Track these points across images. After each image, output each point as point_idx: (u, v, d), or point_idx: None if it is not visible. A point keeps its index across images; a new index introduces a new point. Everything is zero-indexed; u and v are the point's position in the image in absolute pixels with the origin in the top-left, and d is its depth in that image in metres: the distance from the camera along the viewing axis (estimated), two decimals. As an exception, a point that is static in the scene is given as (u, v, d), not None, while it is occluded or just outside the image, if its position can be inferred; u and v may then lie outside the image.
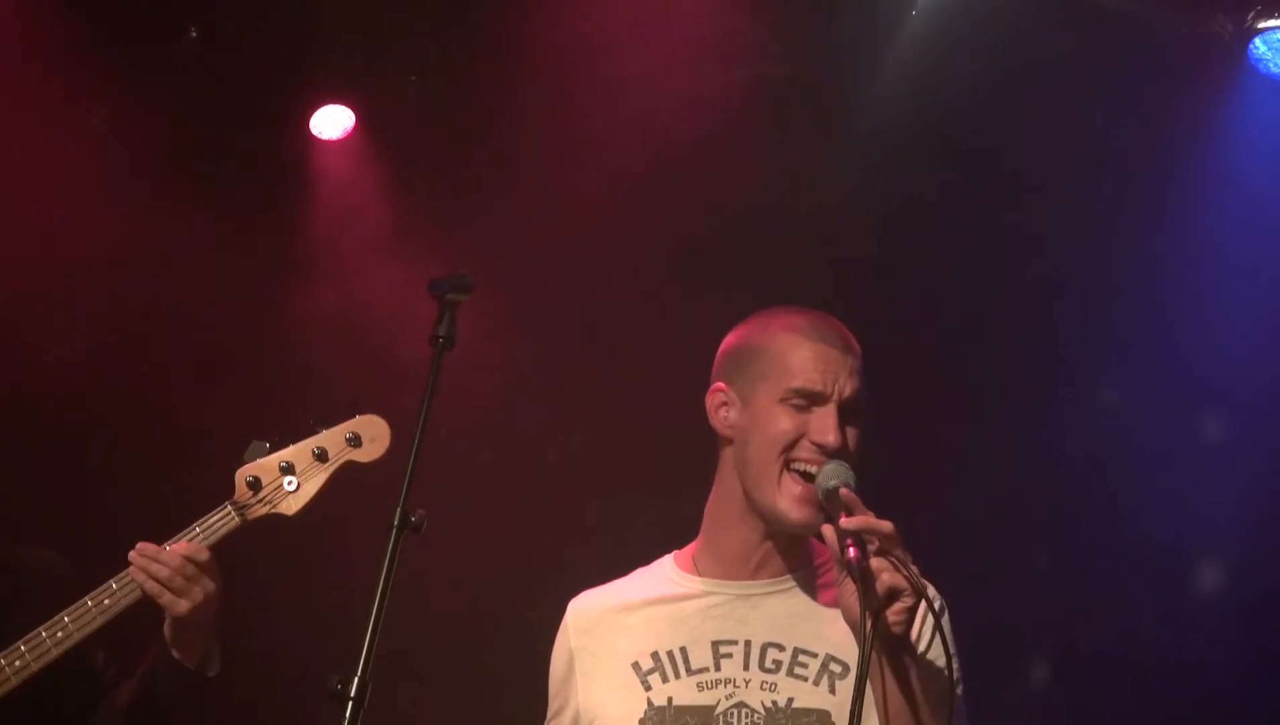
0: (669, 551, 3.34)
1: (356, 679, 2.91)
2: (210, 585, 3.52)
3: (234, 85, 5.72)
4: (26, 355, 5.63)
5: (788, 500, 3.05)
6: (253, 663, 5.76)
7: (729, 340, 3.23)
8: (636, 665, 3.14)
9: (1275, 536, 5.42)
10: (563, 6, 5.45)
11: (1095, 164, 5.60)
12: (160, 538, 3.60)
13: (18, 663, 3.57)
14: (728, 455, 3.18)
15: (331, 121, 5.94)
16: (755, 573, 3.13)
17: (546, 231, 5.84)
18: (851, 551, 2.82)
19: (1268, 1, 5.36)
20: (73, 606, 3.57)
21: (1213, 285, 5.51)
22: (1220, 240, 5.49)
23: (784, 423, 3.05)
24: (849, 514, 2.89)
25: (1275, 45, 5.40)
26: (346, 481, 4.91)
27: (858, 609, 2.82)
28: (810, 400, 3.04)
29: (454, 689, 5.92)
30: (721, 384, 3.17)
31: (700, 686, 3.08)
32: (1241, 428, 5.57)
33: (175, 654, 3.55)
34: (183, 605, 3.49)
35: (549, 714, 3.27)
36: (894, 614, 2.85)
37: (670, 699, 3.10)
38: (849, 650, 3.03)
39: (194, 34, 5.67)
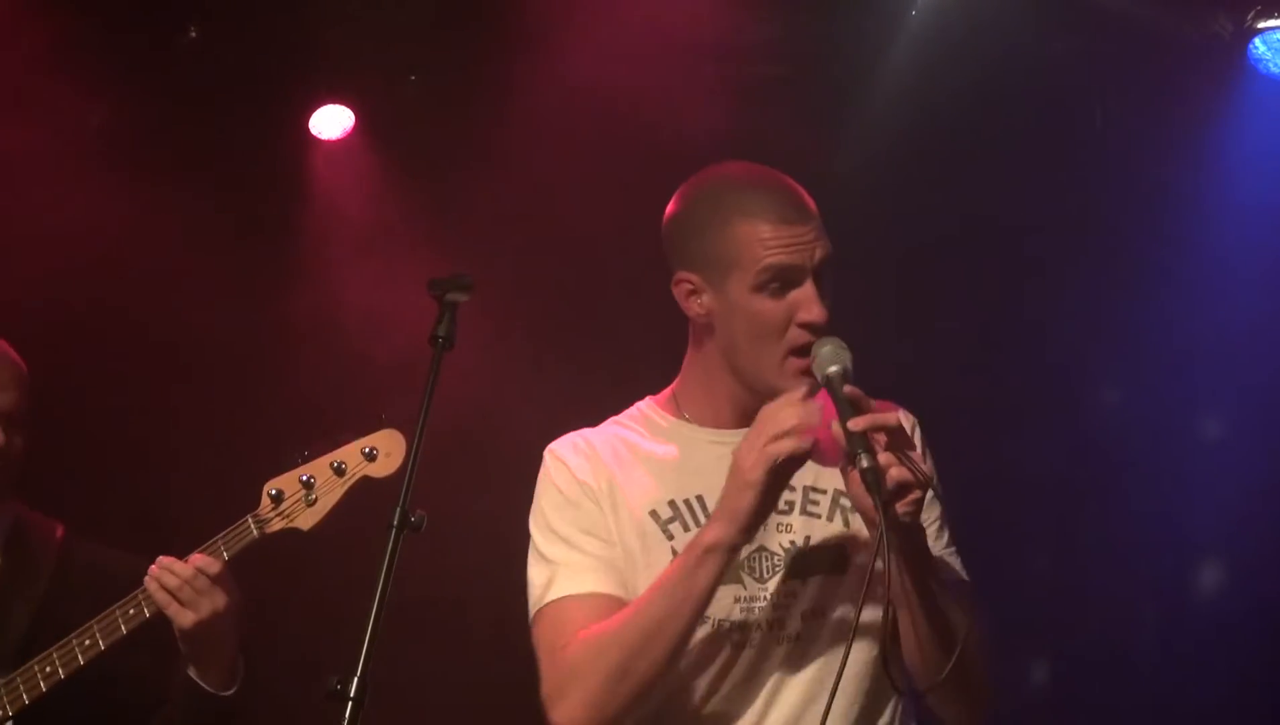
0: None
1: (356, 679, 2.91)
2: (221, 600, 3.51)
3: (234, 85, 5.72)
4: (25, 354, 5.63)
5: (792, 381, 2.98)
6: (253, 662, 5.80)
7: (675, 217, 3.11)
8: (654, 513, 3.07)
9: (1275, 537, 5.42)
10: (563, 7, 5.45)
11: (1095, 164, 5.60)
12: (174, 545, 3.61)
13: (48, 668, 3.57)
14: (707, 339, 3.10)
15: (331, 121, 5.94)
16: (750, 420, 2.98)
17: (547, 231, 5.84)
18: (864, 461, 2.77)
19: (1268, 1, 5.36)
20: (101, 614, 3.57)
21: (1213, 285, 5.51)
22: (1221, 240, 5.49)
23: (768, 311, 2.98)
24: (854, 408, 2.83)
25: (1275, 45, 5.40)
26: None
27: (866, 501, 2.79)
28: (788, 282, 2.98)
29: (454, 689, 5.93)
30: (686, 274, 3.07)
31: None
32: (1242, 428, 5.58)
33: (192, 671, 3.54)
34: (189, 617, 3.48)
35: (565, 527, 3.11)
36: (903, 506, 2.81)
37: None
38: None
39: (194, 34, 5.66)
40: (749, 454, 2.84)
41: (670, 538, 3.06)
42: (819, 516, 3.07)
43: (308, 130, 5.93)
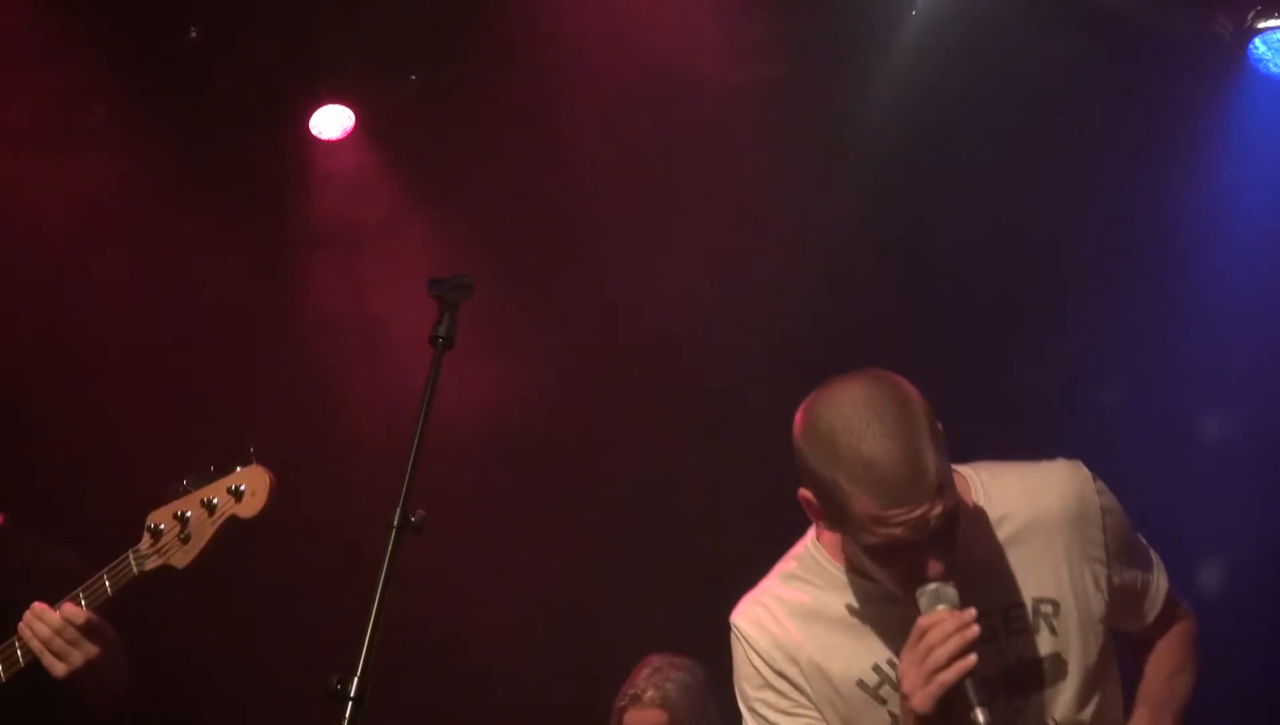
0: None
1: (356, 679, 2.91)
2: (92, 650, 3.43)
3: (234, 85, 5.72)
4: (22, 355, 5.64)
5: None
6: (253, 663, 5.81)
7: (797, 440, 2.95)
8: (862, 683, 3.06)
9: (1276, 537, 5.42)
10: (564, 6, 5.46)
11: (1095, 164, 5.60)
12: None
13: None
14: None
15: (331, 121, 5.94)
16: None
17: (547, 231, 5.85)
18: (979, 715, 2.82)
19: (1267, 1, 5.36)
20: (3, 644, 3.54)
21: (1213, 285, 5.51)
22: (1221, 238, 5.49)
23: (887, 569, 2.93)
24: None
25: (1275, 45, 5.40)
26: (345, 483, 4.93)
27: None
28: (898, 550, 2.88)
29: (454, 689, 5.93)
30: (808, 495, 2.97)
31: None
32: (1242, 428, 5.58)
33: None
34: (60, 667, 3.42)
35: (771, 710, 3.10)
36: None
37: (894, 716, 3.03)
38: (1051, 586, 3.03)
39: (194, 34, 5.67)
40: (914, 687, 2.84)
41: (884, 702, 3.06)
42: (1024, 632, 3.05)
43: (308, 130, 5.93)
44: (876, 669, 3.06)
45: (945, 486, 2.85)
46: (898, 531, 2.84)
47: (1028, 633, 3.05)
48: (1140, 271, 5.58)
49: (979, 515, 3.05)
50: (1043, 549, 3.05)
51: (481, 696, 5.92)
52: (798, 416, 2.95)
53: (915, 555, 2.86)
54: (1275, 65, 5.41)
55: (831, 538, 3.09)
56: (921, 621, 2.85)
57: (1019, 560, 3.05)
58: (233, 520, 3.48)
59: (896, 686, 2.95)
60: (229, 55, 5.68)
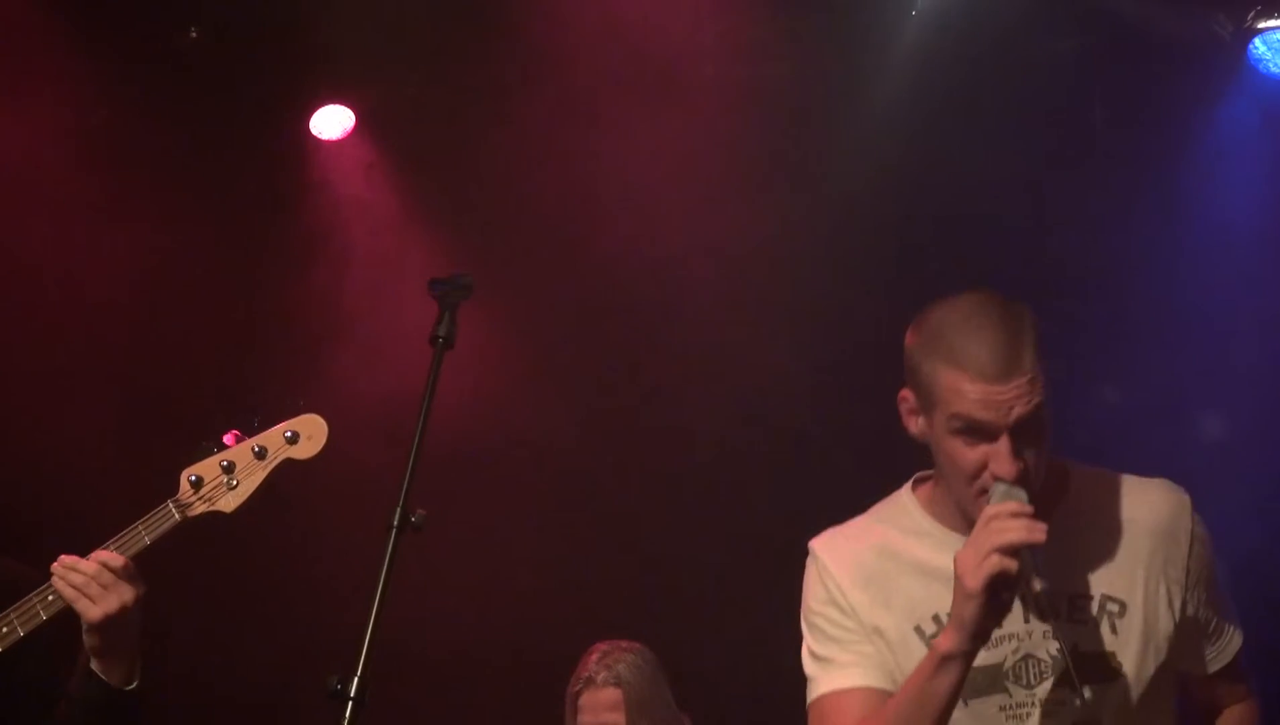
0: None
1: (356, 679, 2.91)
2: (128, 593, 3.50)
3: (234, 85, 5.73)
4: (21, 354, 5.63)
5: None
6: (253, 663, 5.81)
7: (910, 339, 3.08)
8: (919, 629, 3.08)
9: (1276, 537, 5.42)
10: (564, 6, 5.46)
11: (1095, 164, 5.60)
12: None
13: None
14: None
15: (331, 121, 5.94)
16: None
17: (547, 230, 5.85)
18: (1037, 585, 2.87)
19: (1268, 1, 5.36)
20: (16, 604, 3.59)
21: (1214, 285, 5.51)
22: (1221, 240, 5.49)
23: (960, 454, 2.98)
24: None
25: (1275, 45, 5.40)
26: (348, 479, 4.93)
27: None
28: (981, 434, 2.96)
29: (453, 689, 5.93)
30: (907, 393, 3.07)
31: (986, 646, 3.00)
32: (1243, 428, 5.57)
33: (95, 666, 3.55)
34: (96, 612, 3.48)
35: (832, 627, 3.13)
36: None
37: None
38: (1122, 587, 3.05)
39: (194, 34, 5.67)
40: (968, 565, 2.87)
41: None
42: (1085, 624, 3.06)
43: (308, 130, 5.93)
44: (936, 619, 3.07)
45: (1037, 386, 2.97)
46: (979, 410, 2.92)
47: (1089, 625, 3.05)
48: (1140, 271, 5.58)
49: (1067, 502, 3.10)
50: (1123, 551, 3.08)
51: (482, 697, 5.92)
52: (910, 326, 3.09)
53: (993, 449, 2.94)
54: (1275, 65, 5.41)
55: (925, 490, 3.15)
56: (988, 510, 2.90)
57: (1097, 554, 3.08)
58: (288, 463, 3.61)
59: None
60: (229, 55, 5.68)
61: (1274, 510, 5.43)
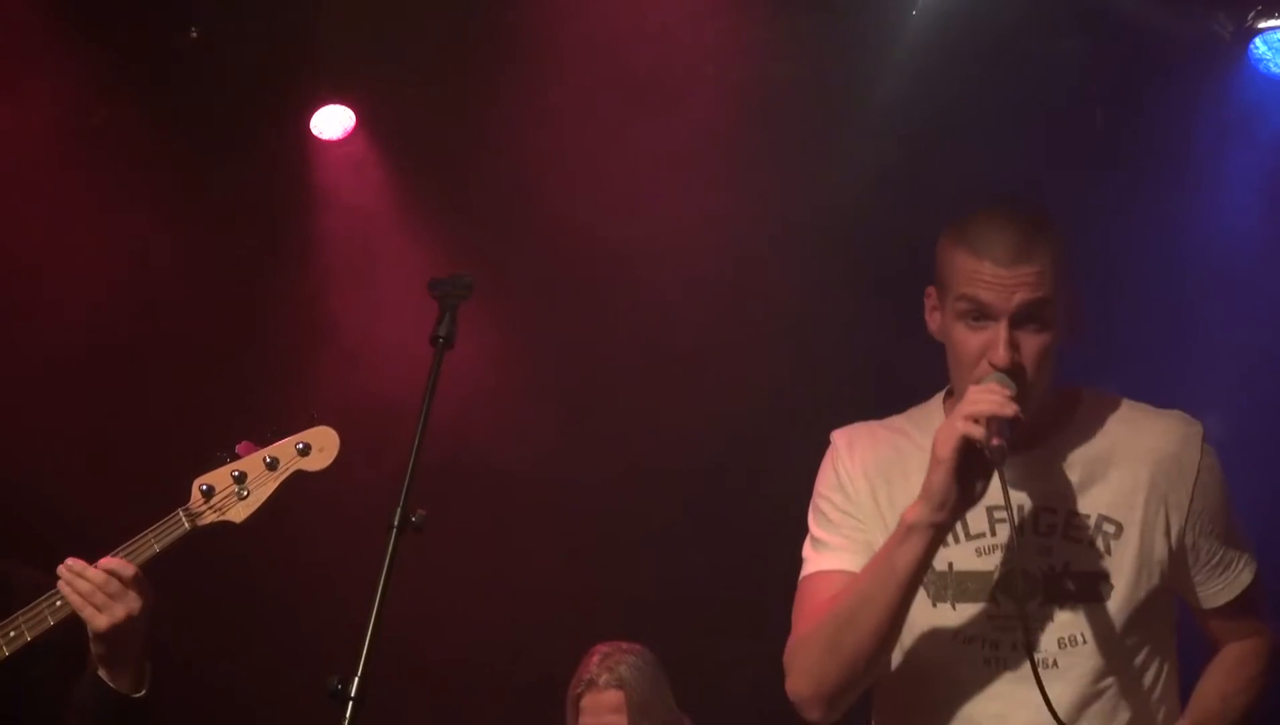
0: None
1: (356, 679, 2.91)
2: (135, 603, 3.50)
3: (234, 85, 5.72)
4: (21, 354, 5.63)
5: None
6: (253, 663, 5.81)
7: (939, 248, 3.18)
8: None
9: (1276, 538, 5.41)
10: (563, 6, 5.45)
11: (1095, 164, 5.60)
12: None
13: None
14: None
15: (331, 121, 5.94)
16: (1019, 441, 3.04)
17: (547, 231, 5.85)
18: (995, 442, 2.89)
19: (1268, 1, 5.36)
20: (5, 620, 3.58)
21: (1214, 285, 5.51)
22: (1220, 240, 5.49)
23: (962, 340, 3.04)
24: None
25: (1275, 45, 5.40)
26: (346, 481, 4.93)
27: None
28: (983, 315, 3.03)
29: (454, 690, 5.93)
30: (931, 288, 3.14)
31: (979, 552, 3.06)
32: (1243, 428, 5.57)
33: (102, 673, 3.55)
34: (102, 620, 3.48)
35: (833, 510, 3.17)
36: None
37: (951, 564, 3.08)
38: (1120, 509, 3.07)
39: (194, 34, 5.66)
40: (942, 432, 2.93)
41: None
42: (1081, 542, 3.08)
43: (308, 130, 5.93)
44: None
45: (1045, 281, 3.01)
46: (984, 293, 2.99)
47: (1083, 543, 3.07)
48: (1140, 271, 5.58)
49: (1074, 424, 3.14)
50: (1125, 473, 3.10)
51: (482, 697, 5.92)
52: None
53: (992, 334, 3.00)
54: (1275, 65, 5.41)
55: (954, 401, 3.16)
56: (971, 389, 2.95)
57: (1098, 474, 3.10)
58: (299, 474, 3.64)
59: (946, 543, 3.03)
60: (229, 55, 5.68)
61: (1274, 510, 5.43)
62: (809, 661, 3.04)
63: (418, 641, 5.34)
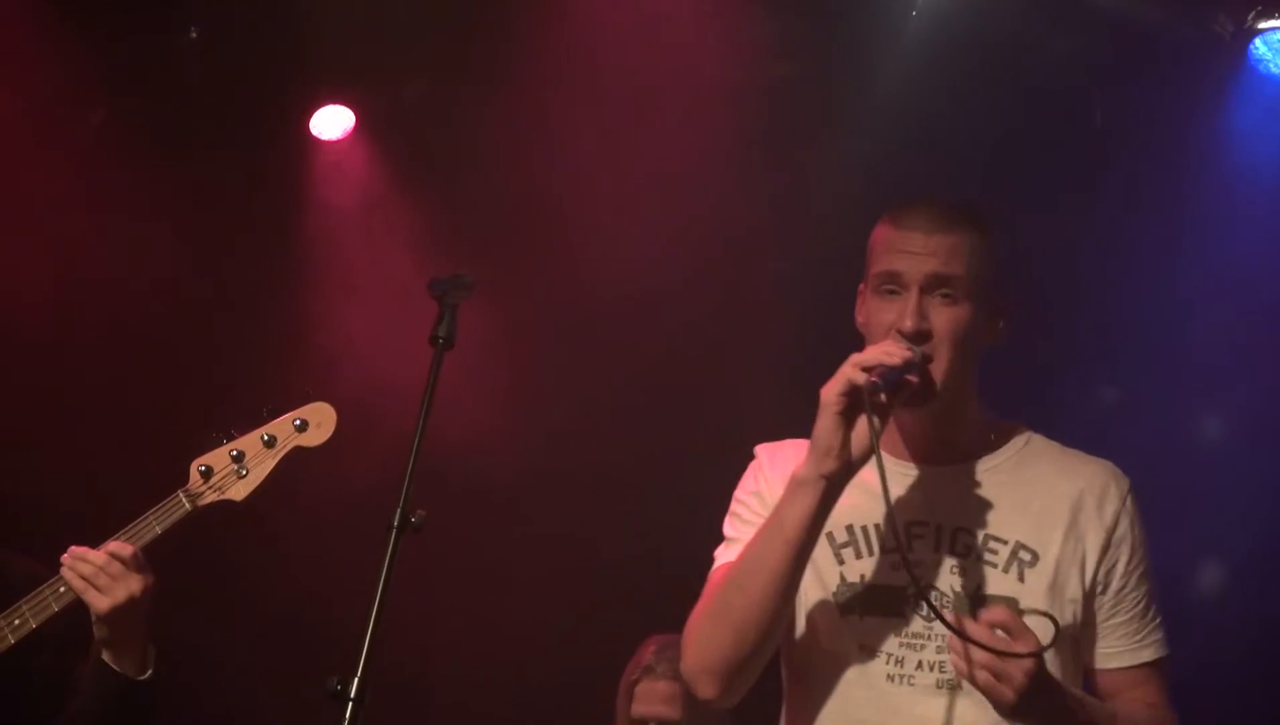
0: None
1: (356, 679, 2.91)
2: (136, 584, 3.53)
3: (234, 85, 5.73)
4: (20, 355, 5.63)
5: None
6: (253, 662, 5.81)
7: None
8: (830, 536, 3.09)
9: (1276, 537, 5.42)
10: (563, 7, 5.46)
11: (1094, 164, 5.60)
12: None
13: None
14: None
15: (331, 122, 5.94)
16: (939, 456, 3.09)
17: (547, 232, 5.85)
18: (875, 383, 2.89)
19: (1268, 1, 5.36)
20: (10, 609, 3.59)
21: (1213, 285, 5.51)
22: (1220, 240, 5.49)
23: (876, 310, 3.06)
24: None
25: (1275, 45, 5.40)
26: (346, 481, 4.93)
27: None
28: (896, 285, 3.04)
29: (454, 690, 5.93)
30: (861, 285, 3.16)
31: (894, 566, 3.04)
32: (1243, 428, 5.57)
33: (106, 657, 3.56)
34: (105, 602, 3.51)
35: (745, 510, 3.19)
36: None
37: (863, 576, 3.07)
38: (1038, 539, 3.06)
39: (194, 34, 5.67)
40: (831, 381, 2.92)
41: (841, 563, 3.10)
42: (995, 566, 3.06)
43: (308, 131, 5.93)
44: (849, 529, 3.10)
45: (960, 256, 3.02)
46: (899, 261, 3.02)
47: (997, 568, 3.05)
48: (1140, 271, 5.58)
49: (1006, 451, 3.16)
50: (1048, 508, 3.09)
51: (482, 697, 5.92)
52: None
53: (902, 303, 3.01)
54: (1275, 65, 5.41)
55: None
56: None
57: (1020, 503, 3.09)
58: (298, 450, 3.69)
59: (860, 554, 3.06)
60: (229, 56, 5.68)
61: (1274, 511, 5.43)
62: (700, 633, 3.03)
63: (418, 641, 5.34)
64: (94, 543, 3.57)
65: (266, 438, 3.68)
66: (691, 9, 5.51)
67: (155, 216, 5.72)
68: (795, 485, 2.93)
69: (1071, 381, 5.68)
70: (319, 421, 3.71)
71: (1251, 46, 5.40)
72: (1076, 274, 5.68)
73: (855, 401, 2.88)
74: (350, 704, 2.90)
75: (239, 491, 3.66)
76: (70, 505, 5.35)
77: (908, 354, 2.93)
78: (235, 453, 3.66)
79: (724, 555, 3.16)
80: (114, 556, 3.53)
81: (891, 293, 3.04)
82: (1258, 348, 5.50)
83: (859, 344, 3.08)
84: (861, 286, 3.14)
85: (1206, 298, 5.51)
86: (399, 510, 3.02)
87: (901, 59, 5.49)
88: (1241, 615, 5.50)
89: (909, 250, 3.02)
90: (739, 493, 3.23)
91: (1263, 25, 5.38)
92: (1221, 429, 5.64)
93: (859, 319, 3.15)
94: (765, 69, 5.68)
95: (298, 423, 3.70)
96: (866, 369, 2.89)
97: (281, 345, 5.92)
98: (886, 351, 2.92)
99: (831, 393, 2.89)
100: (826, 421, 2.90)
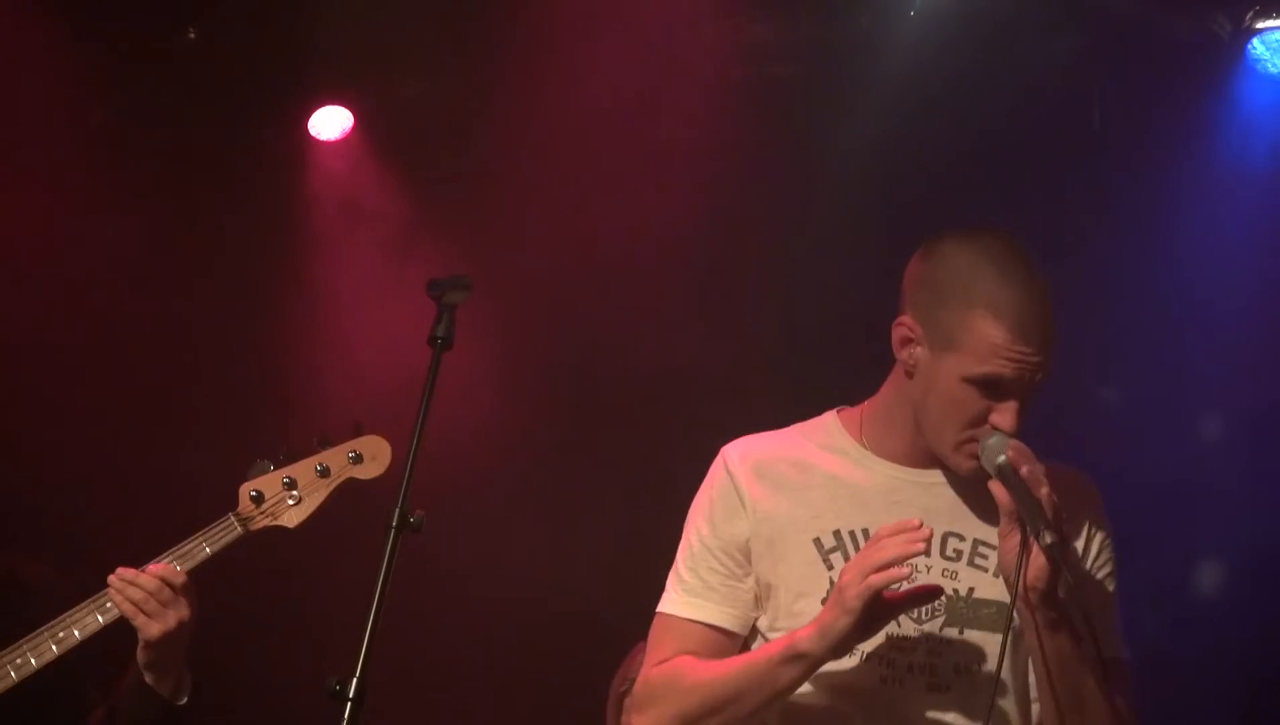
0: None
1: (356, 679, 2.91)
2: (184, 610, 3.57)
3: (233, 85, 5.72)
4: (21, 356, 5.63)
5: (958, 463, 3.05)
6: (253, 662, 5.80)
7: (923, 268, 3.12)
8: (818, 542, 3.09)
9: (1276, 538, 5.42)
10: (562, 7, 5.46)
11: (1094, 164, 5.60)
12: (160, 550, 3.64)
13: None
14: (905, 381, 3.11)
15: (330, 122, 5.94)
16: (932, 462, 3.09)
17: (546, 232, 5.84)
18: (1047, 537, 2.87)
19: (1266, 1, 5.36)
20: (54, 621, 3.59)
21: (1213, 285, 5.51)
22: (1220, 240, 5.49)
23: (969, 402, 3.01)
24: (1029, 488, 2.93)
25: (1274, 45, 5.40)
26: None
27: (1012, 573, 2.92)
28: (996, 390, 3.01)
29: (453, 690, 5.93)
30: (910, 322, 3.09)
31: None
32: (1243, 428, 5.57)
33: (148, 679, 3.56)
34: (155, 628, 3.52)
35: (701, 545, 3.17)
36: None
37: None
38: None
39: (193, 34, 5.67)
40: (852, 580, 2.88)
41: (830, 568, 3.08)
42: (986, 571, 3.07)
43: (307, 131, 5.93)
44: (837, 534, 3.09)
45: (1051, 354, 3.03)
46: (1008, 368, 2.98)
47: (989, 572, 3.07)
48: (1139, 271, 5.58)
49: None
50: None
51: (482, 698, 5.91)
52: (920, 253, 3.14)
53: (1003, 405, 2.99)
54: (1275, 65, 5.41)
55: (851, 417, 3.19)
56: (881, 528, 2.93)
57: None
58: (351, 482, 3.74)
59: (849, 558, 3.03)
60: (227, 55, 5.68)
61: (1273, 513, 5.43)
62: (663, 720, 3.07)
63: (418, 641, 5.34)
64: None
65: (320, 467, 3.72)
66: (692, 9, 5.51)
67: (152, 217, 5.72)
68: (794, 654, 2.95)
69: (1071, 382, 5.68)
70: (374, 455, 3.75)
71: (1250, 46, 5.40)
72: (1075, 273, 5.68)
73: (874, 603, 2.87)
74: (350, 704, 2.90)
75: (291, 518, 3.70)
76: (70, 505, 5.37)
77: (920, 546, 2.89)
78: (287, 479, 3.70)
79: (679, 600, 3.15)
80: (165, 582, 3.53)
81: (985, 389, 3.00)
82: (1258, 347, 5.49)
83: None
84: (908, 322, 3.08)
85: (1206, 296, 5.50)
86: (398, 510, 3.02)
87: (899, 59, 5.49)
88: (1241, 615, 5.50)
89: (1022, 361, 2.99)
90: (697, 511, 3.20)
91: (1261, 25, 5.38)
92: (1222, 429, 5.64)
93: (903, 358, 3.10)
94: (765, 69, 5.67)
95: (352, 455, 3.73)
96: (885, 566, 2.86)
97: (279, 346, 5.92)
98: (909, 540, 2.88)
99: (858, 601, 2.86)
100: (846, 625, 2.88)
